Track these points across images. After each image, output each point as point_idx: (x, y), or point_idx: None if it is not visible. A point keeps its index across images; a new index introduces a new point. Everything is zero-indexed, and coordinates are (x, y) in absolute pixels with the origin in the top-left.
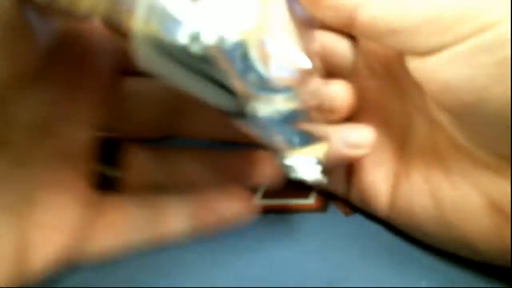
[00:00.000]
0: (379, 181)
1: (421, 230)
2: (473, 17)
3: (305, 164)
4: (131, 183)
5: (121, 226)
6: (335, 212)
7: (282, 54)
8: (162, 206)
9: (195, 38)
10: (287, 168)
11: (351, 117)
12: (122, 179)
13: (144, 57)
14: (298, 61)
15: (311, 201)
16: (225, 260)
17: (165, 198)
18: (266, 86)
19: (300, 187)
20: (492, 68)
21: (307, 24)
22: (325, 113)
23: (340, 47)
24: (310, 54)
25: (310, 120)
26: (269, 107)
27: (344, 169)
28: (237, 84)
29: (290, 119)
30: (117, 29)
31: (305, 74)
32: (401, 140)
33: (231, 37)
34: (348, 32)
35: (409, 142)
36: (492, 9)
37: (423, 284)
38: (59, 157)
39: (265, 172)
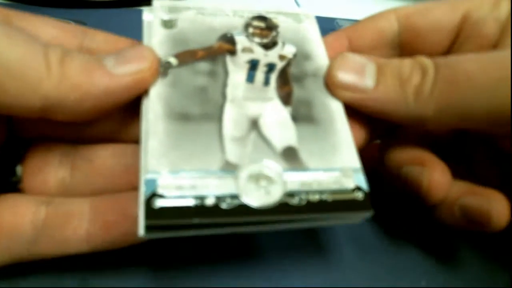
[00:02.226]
0: None
1: None
2: None
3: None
4: (35, 183)
5: (12, 230)
6: None
7: None
8: (63, 207)
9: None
10: None
11: None
12: (23, 178)
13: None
14: None
15: None
16: (224, 259)
17: (68, 199)
18: None
19: None
20: None
21: None
22: None
23: None
24: None
25: None
26: None
27: None
28: None
29: None
30: None
31: None
32: None
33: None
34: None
35: None
36: None
37: (423, 284)
38: None
39: None
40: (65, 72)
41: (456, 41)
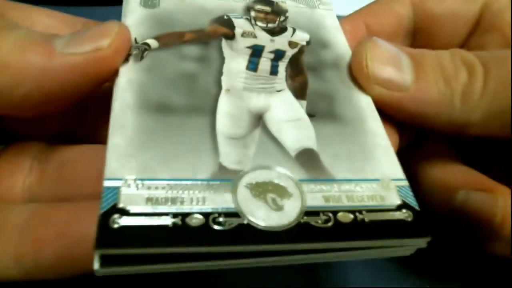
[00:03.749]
0: None
1: None
2: None
3: None
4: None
5: None
6: None
7: None
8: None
9: None
10: None
11: None
12: None
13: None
14: None
15: None
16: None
17: (11, 206)
18: None
19: None
20: None
21: None
22: None
23: None
24: None
25: None
26: None
27: None
28: None
29: None
30: None
31: None
32: None
33: None
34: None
35: None
36: None
37: (426, 285)
38: None
39: None
40: None
41: (475, 32)
